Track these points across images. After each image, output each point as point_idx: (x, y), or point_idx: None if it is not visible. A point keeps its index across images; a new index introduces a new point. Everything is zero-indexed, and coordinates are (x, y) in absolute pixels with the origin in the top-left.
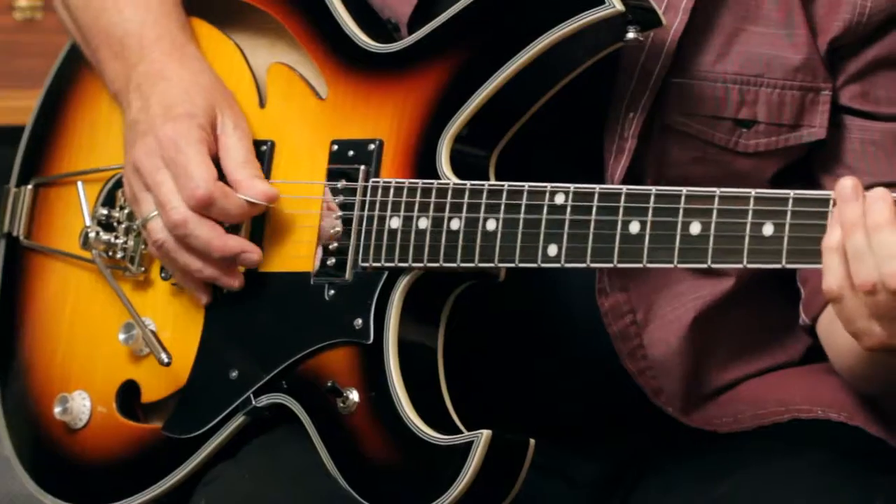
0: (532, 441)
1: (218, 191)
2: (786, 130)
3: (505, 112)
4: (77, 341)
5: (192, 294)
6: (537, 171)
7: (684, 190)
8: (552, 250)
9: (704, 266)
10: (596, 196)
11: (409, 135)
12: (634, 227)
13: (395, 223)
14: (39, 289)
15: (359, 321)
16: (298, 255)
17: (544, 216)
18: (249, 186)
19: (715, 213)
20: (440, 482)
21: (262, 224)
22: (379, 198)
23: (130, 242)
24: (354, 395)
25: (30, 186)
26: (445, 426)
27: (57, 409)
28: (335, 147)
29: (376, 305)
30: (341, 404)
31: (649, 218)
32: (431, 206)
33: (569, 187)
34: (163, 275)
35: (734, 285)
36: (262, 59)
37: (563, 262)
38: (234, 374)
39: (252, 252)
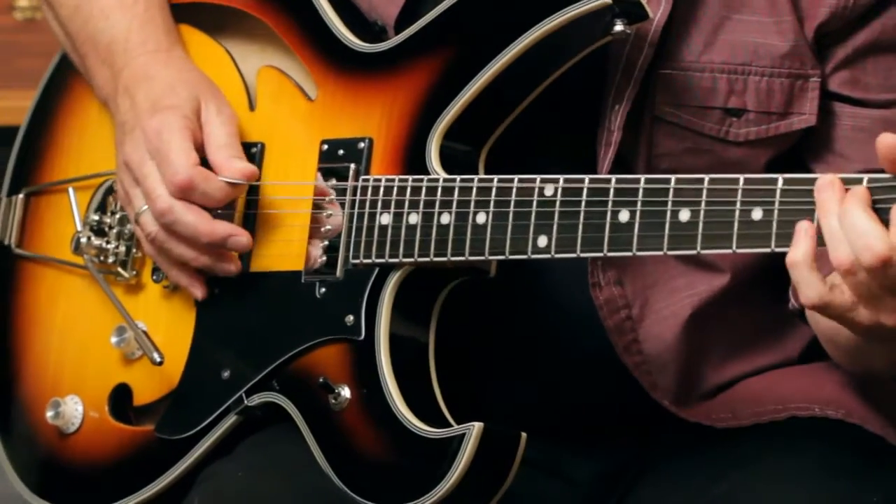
0: (524, 434)
1: (198, 175)
2: (776, 118)
3: (494, 108)
4: (69, 346)
5: (185, 294)
6: (530, 166)
7: (673, 178)
8: (542, 241)
9: (694, 252)
10: (585, 186)
11: (399, 132)
12: (624, 216)
13: (386, 219)
14: (31, 296)
15: (350, 318)
16: (289, 253)
17: (534, 208)
18: (227, 167)
19: (704, 199)
20: (432, 476)
21: (253, 224)
22: (369, 196)
23: (122, 247)
24: (346, 392)
25: (21, 196)
26: (437, 421)
27: (49, 414)
28: (325, 147)
29: (367, 302)
30: (333, 401)
31: (639, 206)
32: (421, 202)
33: (558, 179)
34: (154, 277)
35: (729, 281)
36: (253, 64)
37: (553, 252)
38: (226, 373)
39: (240, 235)
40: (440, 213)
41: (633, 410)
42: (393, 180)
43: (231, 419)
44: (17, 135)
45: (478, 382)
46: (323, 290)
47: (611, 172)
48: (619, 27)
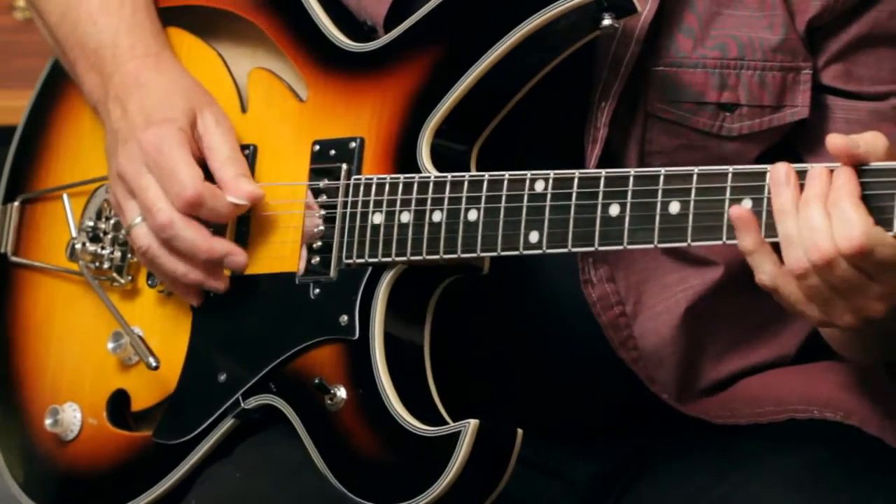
0: (520, 430)
1: (206, 191)
2: (769, 112)
3: (484, 105)
4: (66, 353)
5: (181, 298)
6: (521, 164)
7: (663, 170)
8: (534, 237)
9: (685, 245)
10: (576, 181)
11: (390, 131)
12: (614, 210)
13: (378, 219)
14: (28, 303)
15: (344, 318)
16: (283, 255)
17: (525, 204)
18: (234, 187)
19: (693, 191)
20: (429, 474)
21: (246, 226)
22: (361, 195)
23: (117, 253)
24: (342, 392)
25: (16, 203)
26: (433, 419)
27: (48, 422)
28: (317, 147)
29: (361, 301)
30: (329, 402)
31: (629, 200)
32: (413, 201)
33: (549, 174)
34: (150, 282)
35: (723, 275)
36: (244, 66)
37: (545, 248)
38: (223, 377)
39: (237, 255)
40: (432, 211)
41: (631, 410)
42: (384, 179)
43: (228, 422)
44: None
45: (474, 380)
46: (317, 290)
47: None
48: (607, 21)
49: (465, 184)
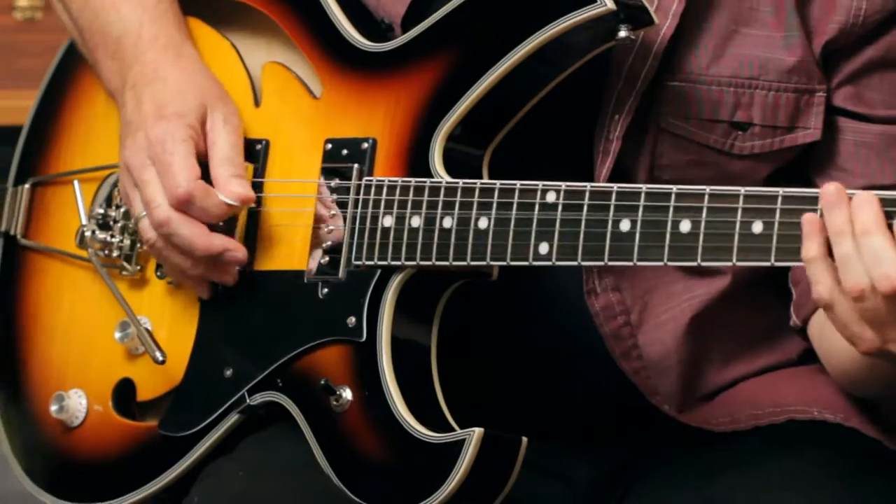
0: (524, 439)
1: (198, 189)
2: (781, 132)
3: (498, 110)
4: (73, 340)
5: (190, 290)
6: (531, 171)
7: (674, 188)
8: (543, 248)
9: (695, 264)
10: (587, 194)
11: (402, 133)
12: (625, 226)
13: (388, 221)
14: (36, 287)
15: (352, 319)
16: (292, 253)
17: (536, 214)
18: (226, 187)
19: (705, 210)
20: (432, 480)
21: (256, 223)
22: (372, 196)
23: (126, 241)
24: (348, 394)
25: (27, 185)
26: (438, 424)
27: (53, 408)
28: (329, 146)
29: (369, 304)
30: (334, 402)
31: (640, 216)
32: (424, 205)
33: (560, 185)
34: (158, 273)
35: (729, 285)
36: (258, 59)
37: (554, 260)
38: (229, 372)
39: (236, 250)
40: (442, 217)
41: (633, 412)
42: (395, 182)
43: (233, 418)
44: (18, 135)
45: (479, 384)
46: (325, 290)
47: (609, 182)
48: (623, 33)
49: (477, 191)
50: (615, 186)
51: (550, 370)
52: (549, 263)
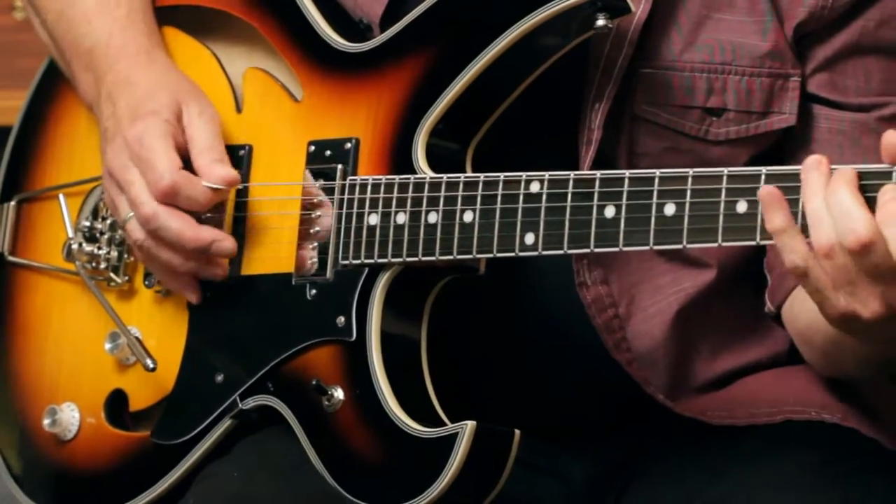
0: (517, 431)
1: (181, 179)
2: (756, 118)
3: (479, 105)
4: (64, 353)
5: (178, 299)
6: (515, 166)
7: (658, 172)
8: (529, 238)
9: (680, 247)
10: (571, 182)
11: (385, 132)
12: (610, 212)
13: (374, 220)
14: (25, 303)
15: (341, 319)
16: (279, 256)
17: (520, 205)
18: (209, 172)
19: (689, 193)
20: (427, 475)
21: (242, 227)
22: (357, 195)
23: (114, 253)
24: (339, 393)
25: (13, 203)
26: (431, 420)
27: (46, 422)
28: (312, 148)
29: (358, 303)
30: (326, 402)
31: (624, 201)
32: (409, 201)
33: (544, 175)
34: (147, 283)
35: (715, 277)
36: (240, 66)
37: (540, 249)
38: (220, 377)
39: (224, 240)
40: (427, 213)
41: (629, 409)
42: (380, 180)
43: (226, 423)
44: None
45: (471, 380)
46: (314, 291)
47: (592, 170)
48: (601, 21)
49: (461, 185)
50: (598, 173)
51: (543, 366)
52: (535, 253)
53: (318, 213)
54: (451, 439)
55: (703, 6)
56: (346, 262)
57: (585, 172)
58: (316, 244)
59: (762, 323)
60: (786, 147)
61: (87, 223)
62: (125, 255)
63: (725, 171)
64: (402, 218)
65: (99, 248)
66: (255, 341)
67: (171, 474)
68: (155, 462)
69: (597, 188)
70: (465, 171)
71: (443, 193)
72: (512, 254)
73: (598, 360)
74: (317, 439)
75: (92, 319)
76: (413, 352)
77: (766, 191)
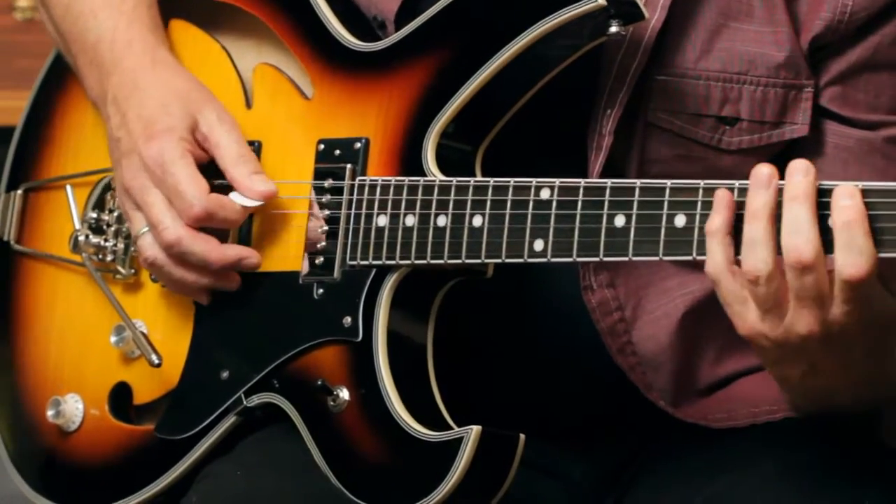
0: (522, 436)
1: (213, 204)
2: (768, 128)
3: (490, 108)
4: (69, 344)
5: (188, 296)
6: (524, 168)
7: (669, 183)
8: (538, 245)
9: (690, 259)
10: (581, 190)
11: (395, 132)
12: (620, 221)
13: (383, 221)
14: (31, 293)
15: (348, 319)
16: (287, 254)
17: (530, 211)
18: (248, 187)
19: (699, 204)
20: (430, 479)
21: (250, 225)
22: (366, 196)
23: (120, 245)
24: (344, 394)
25: (20, 191)
26: (436, 423)
27: (50, 413)
28: (322, 146)
29: (365, 303)
30: (331, 403)
31: (634, 211)
32: (418, 204)
33: (554, 182)
34: (153, 277)
35: None
36: (249, 61)
37: (549, 256)
38: (225, 374)
39: (251, 256)
40: (437, 215)
41: (631, 410)
42: (389, 181)
43: (231, 419)
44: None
45: (476, 382)
46: (321, 290)
47: (602, 177)
48: (614, 28)
49: (470, 188)
50: (609, 182)
51: (547, 368)
52: (544, 260)
53: (327, 212)
54: (455, 443)
55: (721, 14)
56: (354, 262)
57: (596, 181)
58: (324, 244)
59: None
60: (791, 157)
61: (94, 215)
62: (131, 248)
63: (737, 183)
64: (411, 220)
65: (105, 240)
66: (262, 339)
67: (174, 470)
68: (158, 457)
69: (607, 197)
70: (474, 174)
71: (452, 197)
72: (521, 260)
73: (601, 364)
74: (321, 439)
75: (98, 311)
76: (419, 354)
77: (721, 194)
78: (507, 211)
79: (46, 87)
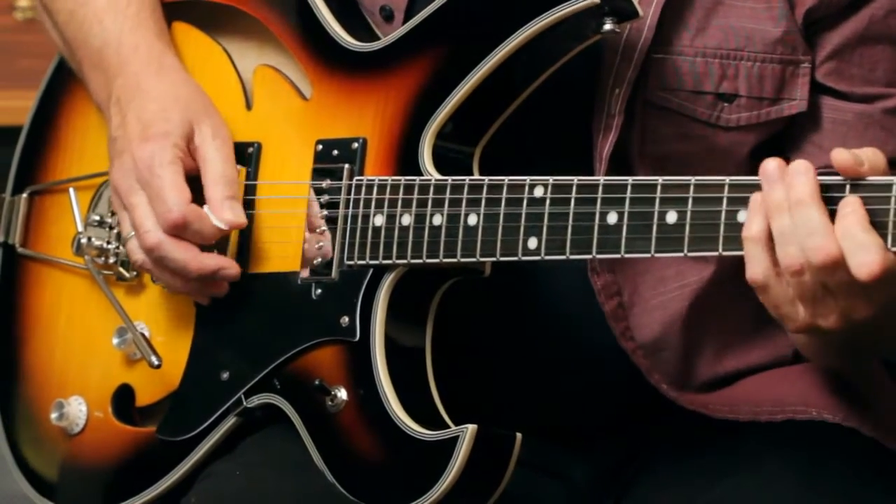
0: (519, 435)
1: (191, 214)
2: (767, 104)
3: (486, 107)
4: (72, 347)
5: (187, 296)
6: (525, 161)
7: (660, 179)
8: (532, 243)
9: (681, 255)
10: (574, 188)
11: (392, 132)
12: (612, 218)
13: (379, 220)
14: (35, 296)
15: (345, 319)
16: (285, 255)
17: (524, 209)
18: (219, 210)
19: (690, 201)
20: (427, 478)
21: (249, 225)
22: (363, 196)
23: (122, 248)
24: (342, 394)
25: (24, 195)
26: (433, 422)
27: (54, 415)
28: (320, 147)
29: (362, 303)
30: (330, 403)
31: (626, 208)
32: (414, 203)
33: (548, 180)
34: (154, 279)
35: (716, 272)
36: (250, 62)
37: (543, 254)
38: (226, 375)
39: (229, 268)
40: (432, 215)
41: (631, 410)
42: (385, 181)
43: (231, 420)
44: (18, 135)
45: (476, 382)
46: (319, 291)
47: (611, 158)
48: (608, 26)
49: (465, 187)
50: (601, 179)
51: (547, 368)
52: (538, 258)
53: (325, 212)
54: (451, 442)
55: None
56: (352, 262)
57: (589, 178)
58: (322, 243)
59: (764, 327)
60: (789, 135)
61: (97, 217)
62: None
63: (727, 179)
64: (407, 220)
65: (108, 243)
66: (261, 339)
67: (176, 471)
68: (160, 458)
69: (600, 194)
70: (471, 173)
71: (447, 196)
72: (515, 258)
73: (601, 360)
74: (320, 439)
75: (101, 314)
76: (417, 353)
77: (756, 197)
78: (502, 209)
79: (51, 91)
